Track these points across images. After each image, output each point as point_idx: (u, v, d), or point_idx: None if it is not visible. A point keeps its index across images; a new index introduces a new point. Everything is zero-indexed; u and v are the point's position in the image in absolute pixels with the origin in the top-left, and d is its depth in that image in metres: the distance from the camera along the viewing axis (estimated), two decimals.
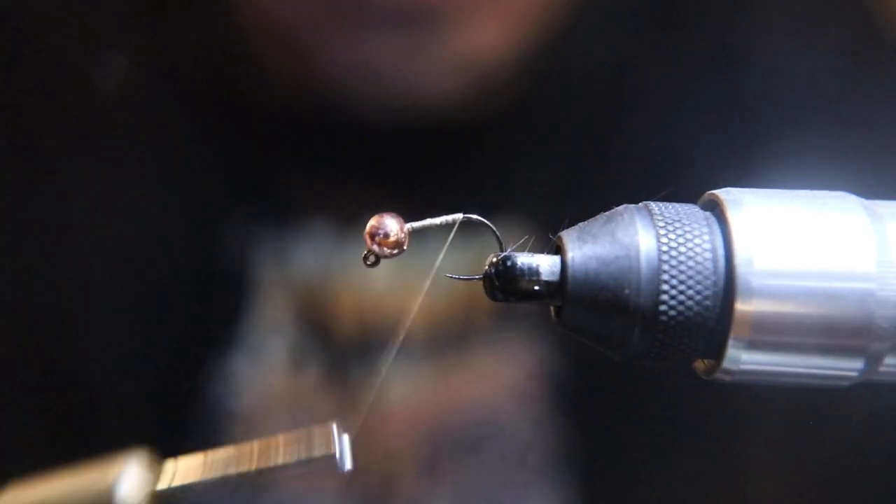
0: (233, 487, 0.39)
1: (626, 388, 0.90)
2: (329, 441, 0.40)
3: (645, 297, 0.40)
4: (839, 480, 0.91)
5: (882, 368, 0.41)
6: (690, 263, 0.40)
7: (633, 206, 0.42)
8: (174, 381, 0.93)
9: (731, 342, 0.40)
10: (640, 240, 0.40)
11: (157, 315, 0.94)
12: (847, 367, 0.41)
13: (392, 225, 0.44)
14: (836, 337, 0.40)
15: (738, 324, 0.40)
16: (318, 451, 0.37)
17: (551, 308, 0.43)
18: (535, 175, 0.95)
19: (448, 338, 0.91)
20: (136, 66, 0.93)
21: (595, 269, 0.41)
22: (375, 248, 0.44)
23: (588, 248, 0.41)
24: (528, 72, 0.92)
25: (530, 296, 0.42)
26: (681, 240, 0.40)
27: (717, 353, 0.41)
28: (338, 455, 0.38)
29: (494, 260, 0.43)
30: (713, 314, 0.40)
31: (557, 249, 0.42)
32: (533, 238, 0.44)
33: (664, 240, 0.40)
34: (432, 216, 0.45)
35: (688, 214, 0.41)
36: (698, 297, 0.40)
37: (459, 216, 0.44)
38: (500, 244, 0.43)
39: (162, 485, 0.39)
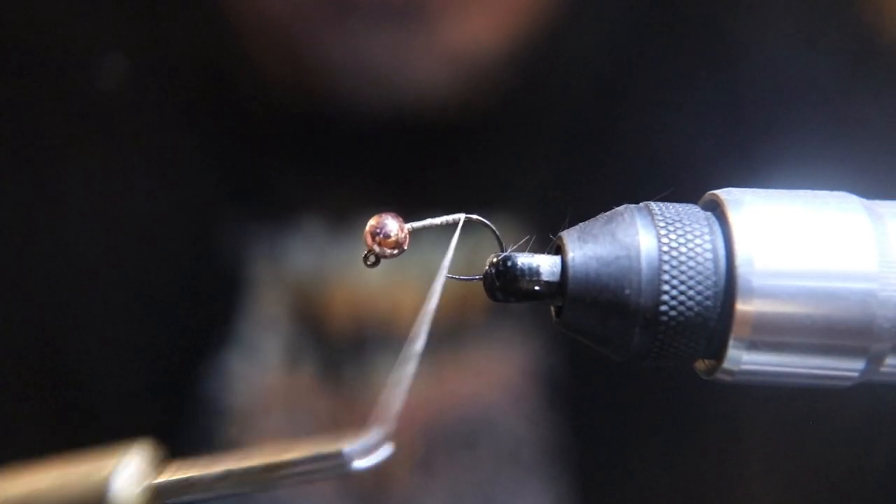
0: (236, 483, 0.38)
1: (621, 384, 0.91)
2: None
3: (645, 297, 0.40)
4: (839, 481, 0.91)
5: (883, 369, 0.41)
6: (691, 264, 0.40)
7: (633, 206, 0.42)
8: (170, 378, 0.93)
9: (731, 342, 0.40)
10: (640, 240, 0.40)
11: (152, 313, 0.94)
12: (848, 368, 0.41)
13: (392, 225, 0.44)
14: (837, 337, 0.40)
15: (738, 324, 0.40)
16: (326, 449, 0.37)
17: (551, 308, 0.43)
18: (534, 174, 0.95)
19: (442, 334, 0.91)
20: (131, 64, 0.93)
21: (596, 269, 0.41)
22: (376, 247, 0.44)
23: (588, 248, 0.41)
24: (524, 70, 0.93)
25: (531, 296, 0.42)
26: (681, 240, 0.40)
27: (718, 353, 0.41)
28: (354, 451, 0.37)
29: (495, 260, 0.42)
30: (714, 314, 0.40)
31: (558, 249, 0.42)
32: (533, 238, 0.44)
33: (665, 240, 0.40)
34: (429, 214, 0.45)
35: (688, 214, 0.41)
36: (699, 298, 0.40)
37: (461, 216, 0.44)
38: (501, 244, 0.43)
39: (160, 478, 0.39)
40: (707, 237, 0.41)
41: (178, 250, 0.94)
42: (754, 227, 0.40)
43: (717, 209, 0.42)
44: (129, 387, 0.93)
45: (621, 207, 0.42)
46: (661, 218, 0.41)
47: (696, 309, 0.40)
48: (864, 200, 0.42)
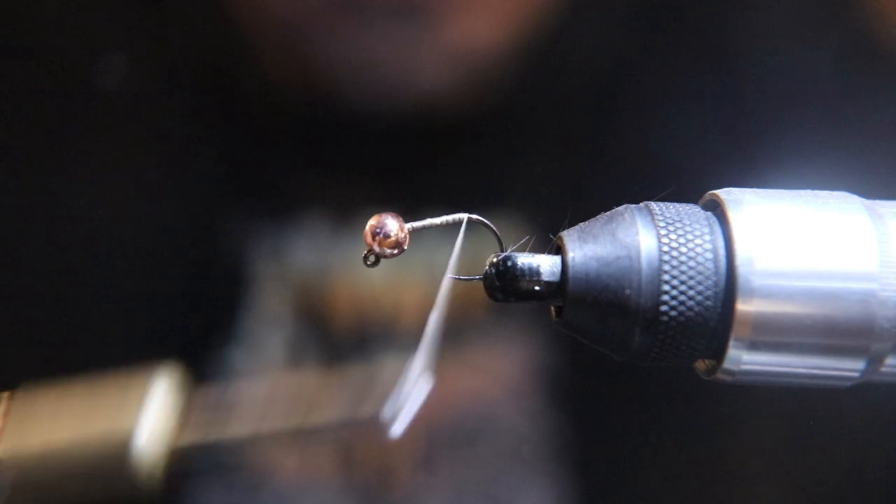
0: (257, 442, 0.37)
1: (623, 381, 0.91)
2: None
3: (646, 297, 0.40)
4: (839, 481, 0.91)
5: (883, 369, 0.41)
6: (691, 264, 0.40)
7: (633, 206, 0.42)
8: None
9: (732, 342, 0.40)
10: (640, 240, 0.40)
11: (156, 310, 0.94)
12: (848, 368, 0.41)
13: (392, 225, 0.44)
14: (838, 337, 0.40)
15: (739, 324, 0.40)
16: (362, 411, 0.36)
17: (552, 308, 0.43)
18: (534, 174, 0.95)
19: (443, 331, 0.91)
20: (134, 62, 0.93)
21: (596, 269, 0.40)
22: (376, 247, 0.44)
23: (589, 248, 0.41)
24: (525, 69, 0.93)
25: (531, 296, 0.42)
26: (682, 240, 0.40)
27: (718, 353, 0.41)
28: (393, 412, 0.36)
29: (495, 260, 0.42)
30: (714, 314, 0.40)
31: (558, 249, 0.42)
32: (533, 238, 0.43)
33: (665, 240, 0.40)
34: (430, 212, 0.45)
35: (689, 214, 0.41)
36: (699, 298, 0.40)
37: (462, 216, 0.44)
38: (501, 244, 0.43)
39: (184, 438, 0.38)
40: (707, 237, 0.40)
41: (182, 248, 0.94)
42: (755, 227, 0.40)
43: (717, 209, 0.42)
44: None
45: (621, 207, 0.42)
46: (661, 218, 0.41)
47: (696, 309, 0.40)
48: (865, 200, 0.42)
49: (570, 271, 0.41)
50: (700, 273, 0.40)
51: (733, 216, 0.40)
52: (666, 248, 0.40)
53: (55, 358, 0.92)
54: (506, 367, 0.93)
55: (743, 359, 0.40)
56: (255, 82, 0.95)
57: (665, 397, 0.91)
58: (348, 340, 0.92)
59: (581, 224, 0.43)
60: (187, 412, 0.38)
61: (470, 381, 0.93)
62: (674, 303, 0.40)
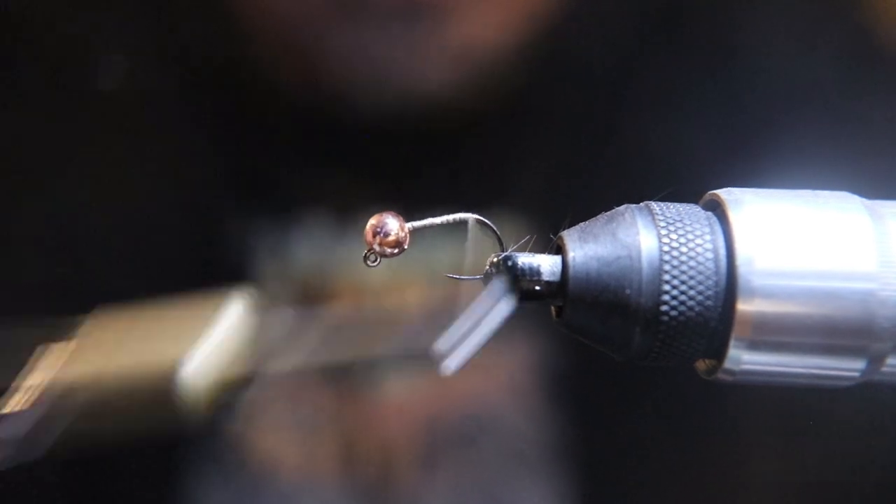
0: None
1: (625, 381, 0.91)
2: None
3: (646, 297, 0.40)
4: (840, 481, 0.91)
5: (884, 369, 0.41)
6: (692, 263, 0.40)
7: (634, 205, 0.42)
8: None
9: (732, 342, 0.40)
10: (641, 240, 0.40)
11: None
12: (848, 368, 0.41)
13: (392, 224, 0.44)
14: (838, 337, 0.40)
15: (739, 324, 0.40)
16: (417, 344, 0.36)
17: (552, 308, 0.43)
18: (534, 173, 0.95)
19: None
20: (136, 61, 0.93)
21: (596, 269, 0.41)
22: (376, 247, 0.44)
23: (589, 248, 0.41)
24: (525, 69, 0.93)
25: (531, 296, 0.42)
26: (682, 240, 0.40)
27: (719, 353, 0.41)
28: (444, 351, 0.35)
29: (495, 260, 0.42)
30: (714, 314, 0.40)
31: (558, 249, 0.42)
32: (533, 238, 0.43)
33: (665, 240, 0.40)
34: (430, 212, 0.45)
35: (689, 214, 0.41)
36: (700, 298, 0.40)
37: (467, 216, 0.44)
38: (501, 244, 0.43)
39: (234, 371, 0.37)
40: (708, 237, 0.41)
41: (183, 246, 0.94)
42: (755, 226, 0.40)
43: (717, 209, 0.42)
44: None
45: (622, 207, 0.42)
46: (661, 218, 0.41)
47: (696, 309, 0.40)
48: (865, 200, 0.42)
49: (571, 271, 0.41)
50: (700, 273, 0.40)
51: (734, 216, 0.40)
52: (666, 248, 0.40)
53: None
54: (507, 367, 0.93)
55: (743, 359, 0.40)
56: (256, 81, 0.95)
57: (665, 397, 0.91)
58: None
59: (581, 224, 0.43)
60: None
61: (471, 381, 0.93)
62: (674, 303, 0.40)
